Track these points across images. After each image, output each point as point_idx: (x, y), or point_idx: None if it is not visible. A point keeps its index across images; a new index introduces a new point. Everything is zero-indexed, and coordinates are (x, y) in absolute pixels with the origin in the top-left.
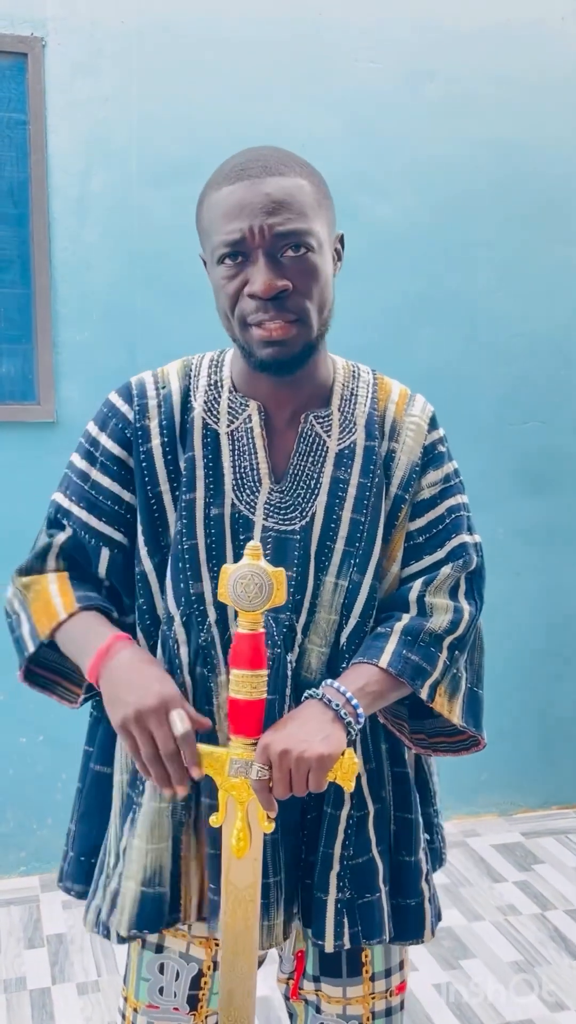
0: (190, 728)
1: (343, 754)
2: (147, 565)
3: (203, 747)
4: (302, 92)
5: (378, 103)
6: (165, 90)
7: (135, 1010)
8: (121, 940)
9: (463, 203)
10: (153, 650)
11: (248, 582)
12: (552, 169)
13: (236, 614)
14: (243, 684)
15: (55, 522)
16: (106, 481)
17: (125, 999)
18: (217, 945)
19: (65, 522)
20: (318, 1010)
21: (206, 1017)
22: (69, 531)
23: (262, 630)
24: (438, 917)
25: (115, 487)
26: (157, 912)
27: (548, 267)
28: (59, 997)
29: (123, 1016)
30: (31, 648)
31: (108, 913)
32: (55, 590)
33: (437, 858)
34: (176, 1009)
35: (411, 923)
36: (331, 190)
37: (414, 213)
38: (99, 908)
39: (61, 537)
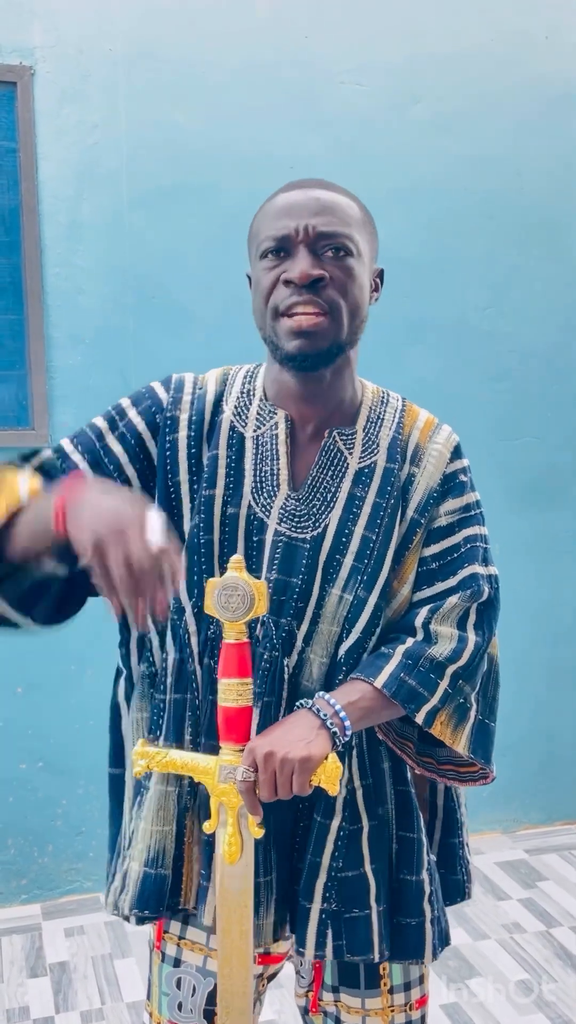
0: (168, 544)
1: (327, 759)
2: None
3: (194, 756)
4: (289, 115)
5: (365, 124)
6: (153, 115)
7: None
8: (139, 921)
9: (451, 222)
10: (163, 636)
11: (231, 593)
12: (540, 186)
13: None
14: (231, 692)
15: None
16: (118, 448)
17: (150, 1014)
18: None
19: (60, 463)
20: (338, 1021)
21: None
22: (56, 459)
23: (247, 640)
24: (444, 941)
25: (123, 457)
26: (158, 893)
27: (538, 283)
28: None
29: None
30: None
31: (119, 894)
32: (23, 480)
33: (460, 892)
34: None
35: (410, 942)
36: None
37: (403, 233)
38: (116, 889)
39: (47, 453)
